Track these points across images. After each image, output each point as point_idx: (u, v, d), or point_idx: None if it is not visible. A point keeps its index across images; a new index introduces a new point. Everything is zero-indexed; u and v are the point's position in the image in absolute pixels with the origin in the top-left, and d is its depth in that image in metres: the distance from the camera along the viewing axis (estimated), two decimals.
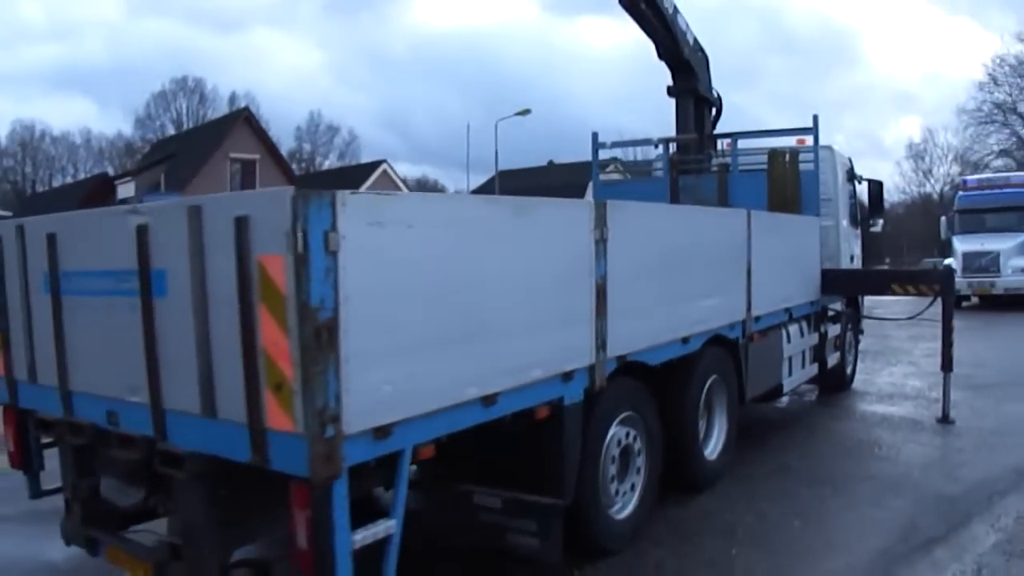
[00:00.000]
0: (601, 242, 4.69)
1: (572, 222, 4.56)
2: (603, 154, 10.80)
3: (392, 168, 45.70)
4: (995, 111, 39.84)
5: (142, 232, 3.52)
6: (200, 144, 38.08)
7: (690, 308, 5.95)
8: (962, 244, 22.91)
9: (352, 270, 3.07)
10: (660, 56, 9.84)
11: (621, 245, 4.84)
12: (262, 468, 3.20)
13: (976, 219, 23.55)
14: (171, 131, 58.44)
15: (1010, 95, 39.50)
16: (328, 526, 3.18)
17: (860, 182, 11.34)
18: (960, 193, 25.72)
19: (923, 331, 16.84)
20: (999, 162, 39.38)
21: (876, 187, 11.58)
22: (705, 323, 6.18)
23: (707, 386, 6.41)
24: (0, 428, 5.03)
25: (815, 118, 9.14)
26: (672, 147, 10.39)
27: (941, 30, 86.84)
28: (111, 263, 3.76)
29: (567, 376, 4.47)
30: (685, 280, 5.90)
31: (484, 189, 51.44)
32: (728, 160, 9.90)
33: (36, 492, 5.01)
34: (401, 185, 44.85)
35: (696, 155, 10.08)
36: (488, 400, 3.88)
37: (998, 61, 39.78)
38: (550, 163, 45.24)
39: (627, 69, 78.41)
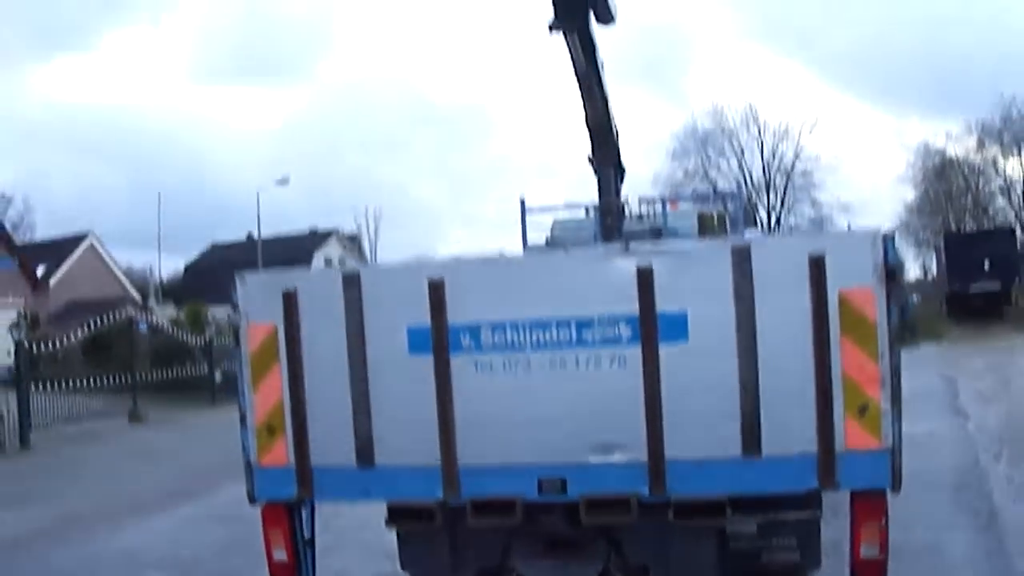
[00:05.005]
0: None
1: None
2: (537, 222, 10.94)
3: (100, 243, 40.33)
4: (685, 178, 44.86)
5: (645, 275, 3.56)
6: None
7: None
8: None
9: None
10: (587, 124, 10.17)
11: None
12: (822, 491, 3.65)
13: None
14: None
15: (700, 163, 45.46)
16: (885, 535, 3.66)
17: None
18: None
19: None
20: None
21: None
22: None
23: None
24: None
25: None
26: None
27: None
28: (568, 310, 3.68)
29: None
30: None
31: (198, 265, 49.59)
32: (658, 224, 10.51)
33: None
34: (111, 263, 40.90)
35: (618, 221, 10.58)
36: None
37: (689, 130, 45.49)
38: (249, 236, 43.60)
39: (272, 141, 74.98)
